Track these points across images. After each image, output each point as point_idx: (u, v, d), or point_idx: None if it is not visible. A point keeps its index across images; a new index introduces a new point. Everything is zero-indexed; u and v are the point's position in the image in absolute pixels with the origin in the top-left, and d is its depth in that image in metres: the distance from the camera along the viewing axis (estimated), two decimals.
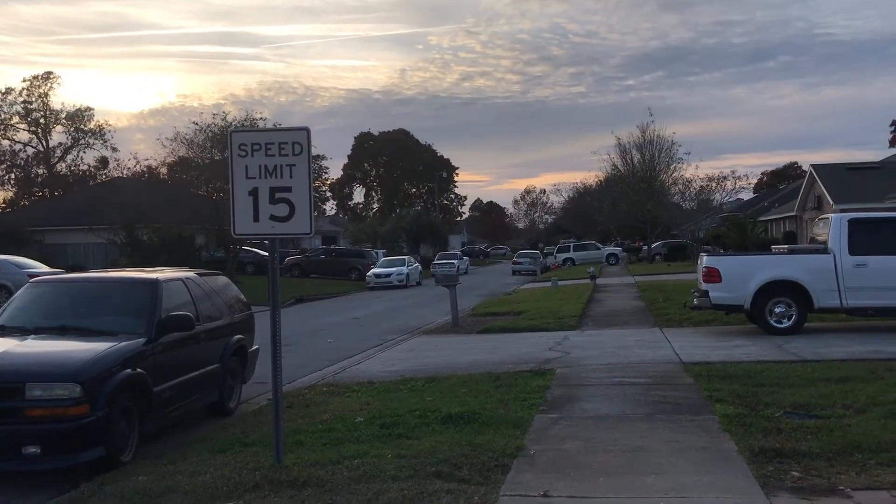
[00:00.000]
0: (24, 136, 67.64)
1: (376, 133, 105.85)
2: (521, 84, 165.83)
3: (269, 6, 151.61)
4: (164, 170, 41.79)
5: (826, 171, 43.25)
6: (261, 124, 36.81)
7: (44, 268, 26.63)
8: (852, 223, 13.87)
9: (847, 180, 40.48)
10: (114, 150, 67.92)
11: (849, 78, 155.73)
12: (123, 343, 7.62)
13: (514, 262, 55.39)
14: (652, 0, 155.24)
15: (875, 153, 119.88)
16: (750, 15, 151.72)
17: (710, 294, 14.16)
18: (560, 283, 31.64)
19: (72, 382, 6.76)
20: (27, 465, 6.68)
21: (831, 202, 38.27)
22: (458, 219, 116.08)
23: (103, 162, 68.25)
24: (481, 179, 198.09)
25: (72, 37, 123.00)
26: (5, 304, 8.99)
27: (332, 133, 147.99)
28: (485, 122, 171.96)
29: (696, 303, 14.71)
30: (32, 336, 7.91)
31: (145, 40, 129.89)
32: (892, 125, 79.91)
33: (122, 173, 47.03)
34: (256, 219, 6.68)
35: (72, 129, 68.09)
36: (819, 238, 14.86)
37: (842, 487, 5.59)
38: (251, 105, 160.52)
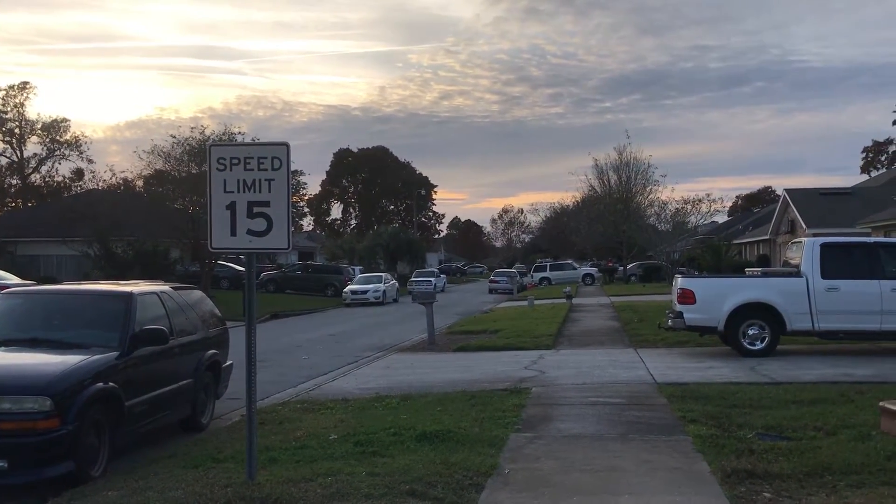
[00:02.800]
0: None
1: (355, 149, 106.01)
2: (499, 104, 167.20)
3: (249, 21, 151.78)
4: (140, 182, 41.49)
5: (799, 196, 43.87)
6: (239, 139, 36.66)
7: (15, 279, 26.27)
8: (824, 247, 14.07)
9: (820, 205, 41.09)
10: (90, 161, 67.31)
11: (821, 104, 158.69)
12: (96, 356, 7.53)
13: (491, 281, 55.45)
14: (630, 24, 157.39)
15: (847, 179, 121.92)
16: (726, 41, 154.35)
17: (685, 315, 14.26)
18: (536, 302, 31.71)
19: (42, 395, 6.66)
20: None
21: (804, 226, 38.80)
22: (436, 236, 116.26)
23: (78, 174, 67.61)
24: (459, 198, 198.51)
25: (49, 46, 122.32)
26: None
27: (310, 149, 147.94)
28: (463, 140, 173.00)
29: (670, 324, 14.81)
30: (3, 348, 7.80)
31: (124, 52, 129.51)
32: (863, 151, 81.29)
33: (98, 185, 46.58)
34: (234, 233, 6.64)
35: (47, 139, 67.39)
36: (792, 261, 15.05)
37: None
38: (229, 119, 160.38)
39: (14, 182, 68.61)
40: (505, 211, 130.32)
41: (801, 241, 15.12)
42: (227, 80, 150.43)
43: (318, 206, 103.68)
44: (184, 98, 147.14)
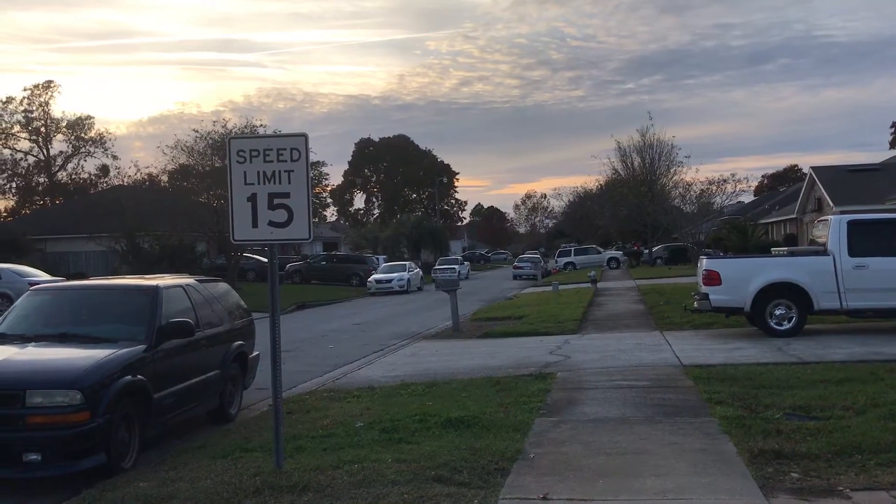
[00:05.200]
0: (24, 144, 67.96)
1: (376, 139, 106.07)
2: (519, 88, 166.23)
3: (266, 12, 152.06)
4: (164, 177, 41.88)
5: (826, 174, 43.29)
6: (261, 131, 36.84)
7: (45, 276, 26.71)
8: (852, 225, 13.88)
9: (847, 182, 40.52)
10: (114, 157, 68.26)
11: (848, 80, 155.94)
12: (124, 350, 7.64)
13: (515, 267, 55.34)
14: (650, 3, 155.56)
15: (875, 155, 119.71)
16: (748, 17, 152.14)
17: (711, 297, 14.17)
18: (561, 287, 31.65)
19: (72, 389, 6.78)
20: (28, 472, 6.69)
21: (831, 204, 38.30)
22: (459, 224, 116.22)
23: (104, 170, 68.50)
24: (482, 184, 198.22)
25: (69, 45, 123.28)
26: (6, 313, 9.01)
27: (331, 139, 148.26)
28: (484, 127, 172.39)
29: (696, 305, 14.73)
30: (33, 344, 7.93)
31: (143, 48, 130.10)
32: (892, 126, 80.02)
33: (123, 181, 47.16)
34: (255, 225, 6.70)
35: (72, 137, 68.34)
36: (819, 240, 14.88)
37: (841, 488, 5.60)
38: (250, 112, 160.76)
39: (41, 180, 69.62)
40: (528, 196, 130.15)
41: (827, 219, 14.93)
42: (246, 73, 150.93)
43: (341, 196, 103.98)
44: (205, 92, 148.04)
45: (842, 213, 17.94)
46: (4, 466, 6.69)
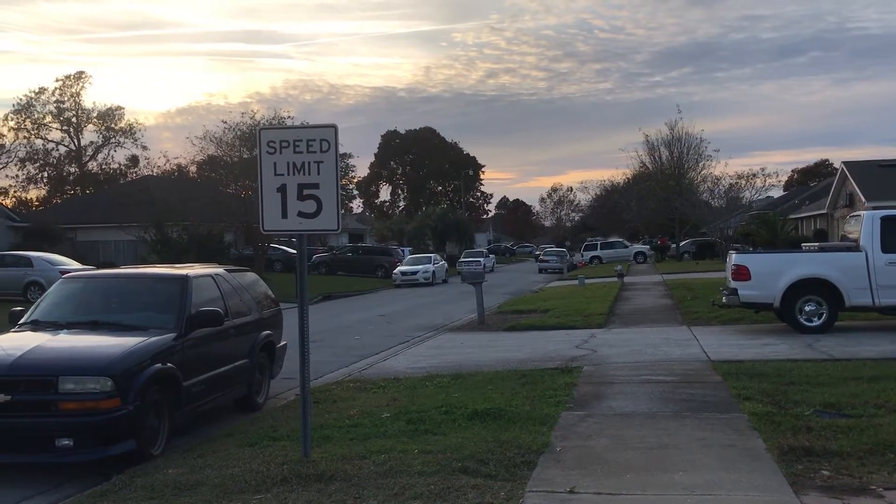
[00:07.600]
0: (56, 135, 68.88)
1: (402, 131, 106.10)
2: (546, 81, 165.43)
3: (293, 3, 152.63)
4: (193, 168, 42.19)
5: (858, 168, 42.64)
6: (288, 123, 36.96)
7: (76, 265, 27.12)
8: (885, 220, 13.67)
9: (879, 177, 39.87)
10: (144, 148, 69.01)
11: (881, 73, 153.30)
12: (154, 338, 7.72)
13: (541, 260, 55.16)
14: None
15: None
16: (779, 9, 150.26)
17: (740, 292, 14.03)
18: (587, 281, 31.50)
19: (103, 376, 6.87)
20: (60, 457, 6.80)
21: (863, 199, 37.72)
22: (485, 217, 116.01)
23: (133, 160, 69.23)
24: (507, 177, 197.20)
25: (98, 35, 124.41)
26: (38, 300, 9.14)
27: (357, 131, 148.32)
28: (510, 119, 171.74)
29: (724, 301, 14.59)
30: (65, 331, 8.04)
31: (171, 38, 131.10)
32: None
33: (152, 171, 47.57)
34: (285, 215, 6.74)
35: (103, 128, 69.15)
36: (851, 236, 14.68)
37: (873, 487, 5.52)
38: (277, 103, 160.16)
39: (72, 170, 70.55)
40: (554, 189, 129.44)
41: (859, 215, 14.72)
42: (273, 65, 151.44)
43: (367, 188, 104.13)
44: (232, 83, 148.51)
45: (874, 208, 17.67)
46: (37, 451, 6.81)
